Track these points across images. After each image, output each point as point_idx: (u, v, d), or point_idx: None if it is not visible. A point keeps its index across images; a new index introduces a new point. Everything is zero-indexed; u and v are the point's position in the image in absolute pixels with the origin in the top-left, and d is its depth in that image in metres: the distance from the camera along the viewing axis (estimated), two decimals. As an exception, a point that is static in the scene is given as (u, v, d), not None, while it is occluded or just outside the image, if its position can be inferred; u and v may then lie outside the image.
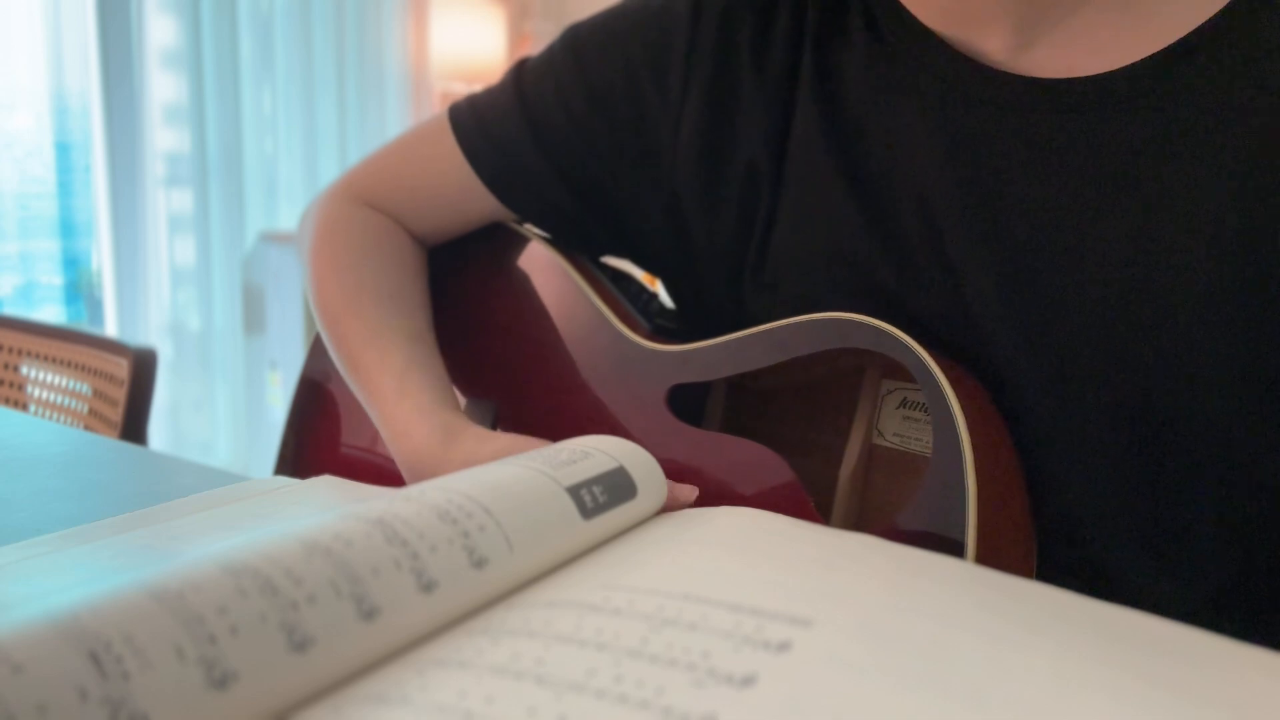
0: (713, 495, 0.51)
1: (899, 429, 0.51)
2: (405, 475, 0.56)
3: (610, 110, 0.60)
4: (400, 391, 0.57)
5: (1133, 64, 0.45)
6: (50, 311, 2.23)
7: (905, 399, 0.52)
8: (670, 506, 0.40)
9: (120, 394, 1.08)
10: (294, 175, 2.57)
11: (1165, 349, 0.45)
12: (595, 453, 0.36)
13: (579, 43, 0.62)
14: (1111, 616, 0.26)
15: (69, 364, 1.16)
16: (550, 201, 0.64)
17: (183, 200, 2.34)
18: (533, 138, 0.63)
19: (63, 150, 2.20)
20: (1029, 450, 0.48)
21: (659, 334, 0.60)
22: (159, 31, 2.27)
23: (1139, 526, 0.48)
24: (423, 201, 0.68)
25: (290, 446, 0.73)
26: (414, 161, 0.68)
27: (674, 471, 0.51)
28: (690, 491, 0.42)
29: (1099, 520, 0.48)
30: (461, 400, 0.66)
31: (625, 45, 0.60)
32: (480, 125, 0.64)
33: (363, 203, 0.69)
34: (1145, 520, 0.48)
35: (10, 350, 1.21)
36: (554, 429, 0.61)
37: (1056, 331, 0.47)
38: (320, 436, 0.71)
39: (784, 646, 0.23)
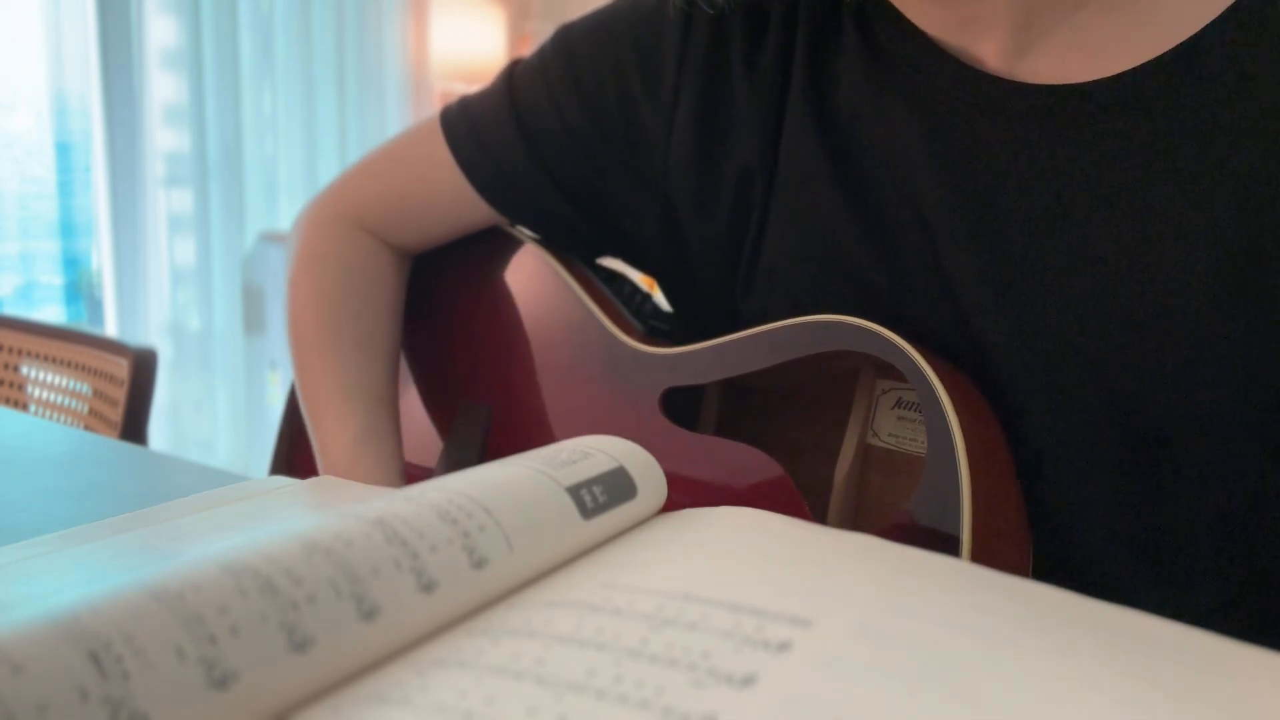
0: (706, 498, 0.51)
1: (894, 429, 0.51)
2: None
3: (602, 114, 0.60)
4: (353, 462, 0.60)
5: (1129, 70, 0.45)
6: (50, 311, 2.23)
7: (900, 399, 0.52)
8: None
9: (120, 394, 1.08)
10: (294, 175, 2.57)
11: (1160, 358, 0.45)
12: (595, 453, 0.36)
13: (571, 45, 0.62)
14: (1111, 616, 0.26)
15: (69, 364, 1.16)
16: (544, 206, 0.64)
17: (183, 200, 2.35)
18: (525, 143, 0.62)
19: (63, 150, 2.20)
20: (1022, 455, 0.48)
21: (653, 336, 0.60)
22: (159, 31, 2.27)
23: (1135, 537, 0.48)
24: (414, 209, 0.68)
25: (285, 445, 0.73)
26: (405, 170, 0.68)
27: (668, 475, 0.51)
28: None
29: (1094, 528, 0.48)
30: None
31: (617, 49, 0.60)
32: (473, 131, 0.64)
33: (351, 220, 0.69)
34: (1141, 530, 0.48)
35: (10, 350, 1.21)
36: (547, 432, 0.61)
37: (1049, 338, 0.47)
38: (309, 434, 0.71)
39: (784, 646, 0.23)
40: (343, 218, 0.69)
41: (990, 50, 0.48)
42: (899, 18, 0.51)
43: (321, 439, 0.62)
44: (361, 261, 0.68)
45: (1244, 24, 0.43)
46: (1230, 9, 0.44)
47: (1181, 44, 0.44)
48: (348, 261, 0.67)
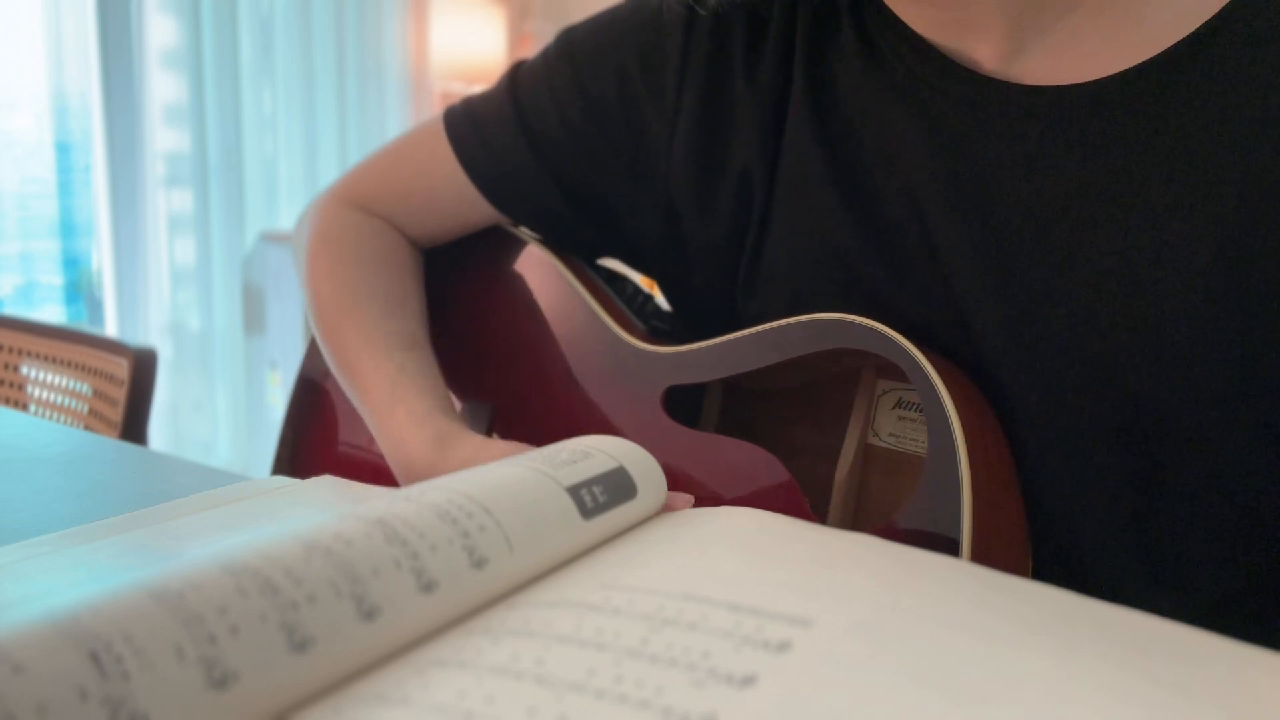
0: (708, 496, 0.51)
1: (894, 429, 0.51)
2: (400, 481, 0.56)
3: (604, 117, 0.61)
4: (393, 398, 0.57)
5: (1124, 71, 0.45)
6: (50, 311, 2.23)
7: (901, 399, 0.52)
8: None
9: (120, 394, 1.08)
10: (294, 175, 2.57)
11: (1157, 358, 0.45)
12: (595, 453, 0.36)
13: (574, 48, 0.62)
14: (1111, 616, 0.26)
15: (69, 364, 1.16)
16: (546, 207, 0.64)
17: (183, 200, 2.35)
18: (528, 144, 0.63)
19: (63, 150, 2.20)
20: (1021, 455, 0.48)
21: (654, 335, 0.60)
22: (159, 31, 2.27)
23: (1133, 536, 0.48)
24: (418, 207, 0.68)
25: (288, 446, 0.73)
26: (409, 168, 0.68)
27: (670, 473, 0.51)
28: (685, 500, 0.42)
29: (1092, 527, 0.48)
30: (457, 404, 0.66)
31: (619, 52, 0.60)
32: (476, 132, 0.65)
33: (358, 208, 0.69)
34: (1139, 530, 0.48)
35: (10, 350, 1.21)
36: (550, 431, 0.61)
37: (1048, 337, 0.47)
38: (318, 436, 0.71)
39: (784, 646, 0.23)
40: (352, 204, 0.69)
41: (985, 52, 0.48)
42: (895, 19, 0.51)
43: (360, 387, 0.60)
44: (377, 234, 0.68)
45: (1238, 25, 0.43)
46: (1224, 10, 0.44)
47: (1176, 44, 0.44)
48: (363, 235, 0.67)
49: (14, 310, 2.04)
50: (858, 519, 0.52)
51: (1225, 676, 0.23)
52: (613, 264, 0.69)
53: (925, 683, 0.22)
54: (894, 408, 0.52)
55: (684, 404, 0.58)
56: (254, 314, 2.44)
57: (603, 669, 0.23)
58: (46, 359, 1.18)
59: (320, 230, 0.68)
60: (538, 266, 0.65)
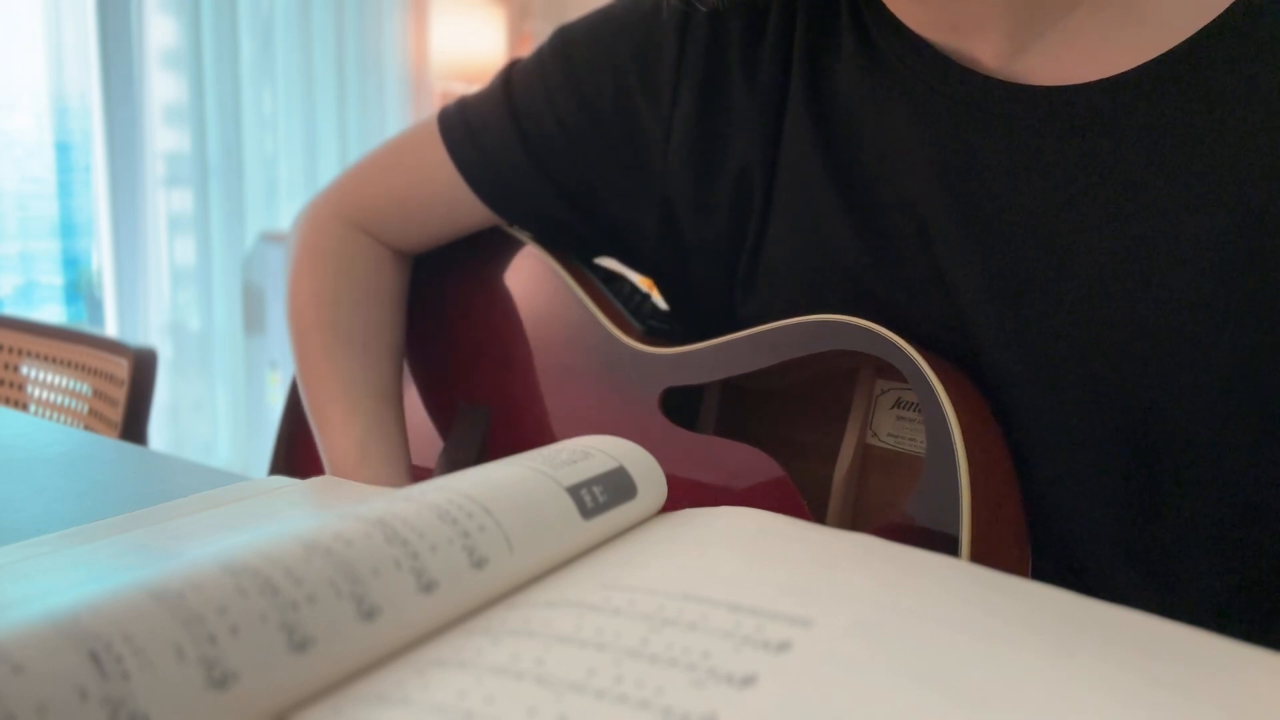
0: (706, 498, 0.51)
1: (893, 429, 0.51)
2: None
3: (600, 117, 0.60)
4: (362, 458, 0.60)
5: (1126, 71, 0.45)
6: (50, 311, 2.23)
7: (900, 399, 0.52)
8: None
9: (120, 394, 1.08)
10: (294, 175, 2.57)
11: (1158, 361, 0.45)
12: (595, 452, 0.36)
13: (569, 47, 0.62)
14: (1111, 616, 0.26)
15: (69, 364, 1.16)
16: (542, 208, 0.64)
17: (183, 200, 2.35)
18: (523, 146, 0.62)
19: (63, 150, 2.20)
20: (1020, 455, 0.48)
21: (652, 336, 0.60)
22: (159, 31, 2.27)
23: (1132, 539, 0.48)
24: (412, 211, 0.68)
25: (284, 445, 0.73)
26: (404, 171, 0.68)
27: (668, 474, 0.51)
28: None
29: (1091, 530, 0.48)
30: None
31: (615, 51, 0.60)
32: (471, 134, 0.64)
33: (350, 221, 0.69)
34: (1138, 533, 0.47)
35: (10, 350, 1.21)
36: (547, 432, 0.61)
37: (1047, 340, 0.47)
38: (314, 435, 0.71)
39: (784, 646, 0.23)
40: (342, 217, 0.69)
41: (985, 52, 0.48)
42: (894, 20, 0.51)
43: (327, 439, 0.62)
44: (361, 259, 0.68)
45: (1240, 27, 0.43)
46: (1226, 12, 0.43)
47: (1179, 45, 0.44)
48: (347, 259, 0.68)
49: (14, 310, 2.04)
50: (857, 519, 0.52)
51: (1225, 676, 0.23)
52: (610, 263, 0.68)
53: (925, 683, 0.22)
54: (893, 408, 0.52)
55: (682, 405, 0.58)
56: (254, 314, 2.44)
57: (603, 669, 0.23)
58: (46, 359, 1.18)
59: (307, 247, 0.69)
60: (534, 267, 0.65)
